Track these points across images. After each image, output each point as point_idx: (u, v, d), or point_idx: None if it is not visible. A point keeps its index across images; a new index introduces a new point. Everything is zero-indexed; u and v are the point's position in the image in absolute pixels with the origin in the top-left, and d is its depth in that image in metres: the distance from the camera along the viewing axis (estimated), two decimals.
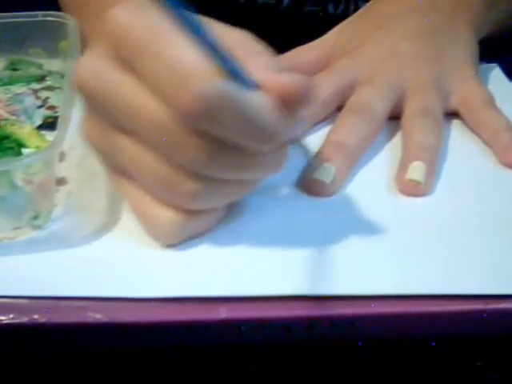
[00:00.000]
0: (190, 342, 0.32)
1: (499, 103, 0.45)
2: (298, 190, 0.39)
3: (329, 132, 0.42)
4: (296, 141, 0.36)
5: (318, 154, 0.40)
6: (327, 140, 0.41)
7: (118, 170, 0.34)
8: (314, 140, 0.42)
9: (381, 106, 0.42)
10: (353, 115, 0.42)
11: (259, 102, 0.30)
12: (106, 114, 0.32)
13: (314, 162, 0.39)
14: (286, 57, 0.48)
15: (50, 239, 0.35)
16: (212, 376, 0.36)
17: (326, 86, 0.44)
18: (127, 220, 0.36)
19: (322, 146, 0.40)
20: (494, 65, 0.52)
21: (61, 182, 0.39)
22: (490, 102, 0.44)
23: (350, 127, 0.41)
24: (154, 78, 0.30)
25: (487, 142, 0.43)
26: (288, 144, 0.33)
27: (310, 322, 0.32)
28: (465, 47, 0.47)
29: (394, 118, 0.44)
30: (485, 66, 0.50)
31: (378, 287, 0.33)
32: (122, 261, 0.34)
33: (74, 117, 0.41)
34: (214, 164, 0.31)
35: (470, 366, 0.37)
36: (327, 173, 0.39)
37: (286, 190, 0.40)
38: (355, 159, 0.41)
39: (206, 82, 0.28)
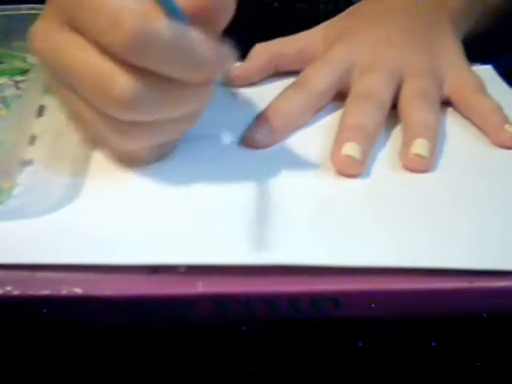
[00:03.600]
0: (168, 317, 0.31)
1: None
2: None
3: (342, 117, 0.41)
4: (227, 76, 0.36)
5: (337, 136, 0.40)
6: (344, 123, 0.41)
7: None
8: (315, 129, 0.43)
9: (386, 93, 0.43)
10: (362, 101, 0.42)
11: (192, 37, 0.31)
12: (58, 75, 0.34)
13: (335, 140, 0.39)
14: (269, 45, 0.48)
15: (9, 213, 0.34)
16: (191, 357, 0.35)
17: (323, 77, 0.44)
18: (89, 194, 0.36)
19: (340, 129, 0.40)
20: (488, 66, 0.52)
21: (27, 163, 0.38)
22: (480, 87, 0.45)
23: (363, 112, 0.41)
24: (92, 28, 0.31)
25: (478, 125, 0.43)
26: (215, 76, 0.34)
27: (293, 298, 0.31)
28: (452, 43, 0.47)
29: None
30: (479, 67, 0.50)
31: (363, 259, 0.32)
32: (81, 229, 0.33)
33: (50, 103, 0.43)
34: (142, 101, 0.32)
35: (470, 366, 0.37)
36: (354, 149, 0.38)
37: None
38: (374, 141, 0.40)
39: (138, 20, 0.30)
